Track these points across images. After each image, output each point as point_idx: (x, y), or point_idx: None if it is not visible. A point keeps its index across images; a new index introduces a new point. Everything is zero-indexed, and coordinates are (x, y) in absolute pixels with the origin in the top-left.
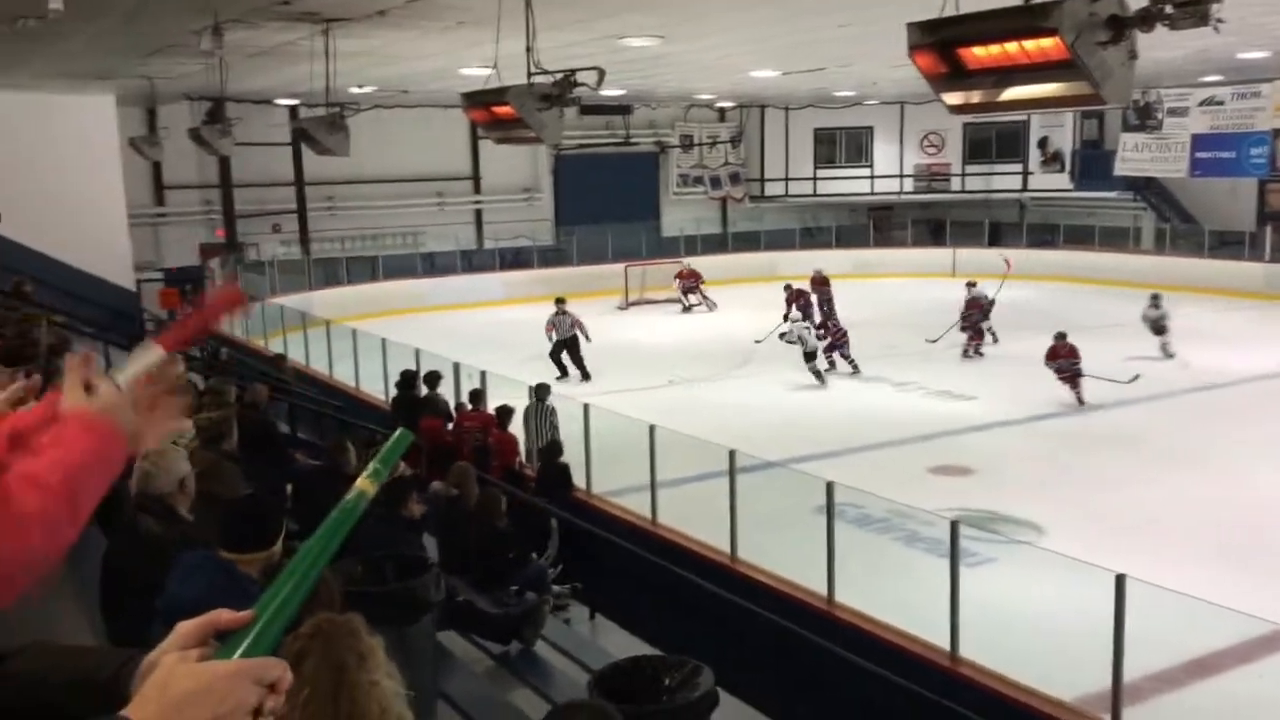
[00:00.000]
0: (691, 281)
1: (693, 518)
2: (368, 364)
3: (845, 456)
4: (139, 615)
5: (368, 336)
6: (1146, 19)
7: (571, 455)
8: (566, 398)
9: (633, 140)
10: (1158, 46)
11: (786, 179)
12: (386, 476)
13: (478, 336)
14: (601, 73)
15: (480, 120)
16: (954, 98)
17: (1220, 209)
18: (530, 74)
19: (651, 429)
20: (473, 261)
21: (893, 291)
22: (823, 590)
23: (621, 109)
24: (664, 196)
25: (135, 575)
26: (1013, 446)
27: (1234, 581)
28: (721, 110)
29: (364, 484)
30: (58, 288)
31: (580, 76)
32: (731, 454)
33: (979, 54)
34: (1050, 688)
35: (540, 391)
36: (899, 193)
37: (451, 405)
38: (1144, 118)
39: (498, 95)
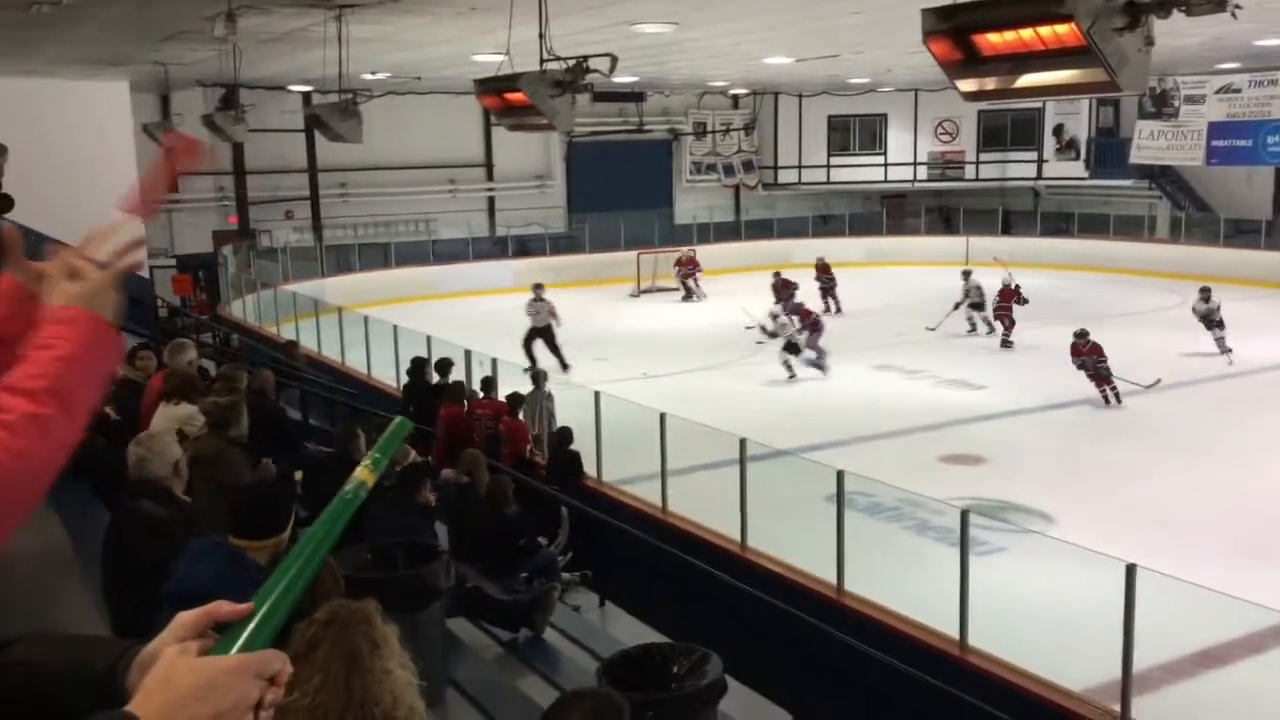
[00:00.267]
0: (690, 269)
1: (703, 506)
2: (379, 351)
3: (856, 445)
4: (144, 601)
5: (379, 323)
6: (1163, 5)
7: (581, 443)
8: (579, 386)
9: (646, 127)
10: (1174, 33)
11: (800, 166)
12: (386, 466)
13: (489, 324)
14: (614, 59)
15: (493, 107)
16: (968, 84)
17: (1236, 197)
18: (543, 60)
19: (662, 417)
20: (485, 249)
21: (905, 280)
22: (832, 579)
23: (634, 96)
24: (677, 184)
25: (138, 556)
26: (1025, 436)
27: (1247, 573)
28: (735, 97)
29: (363, 474)
30: None
31: (593, 63)
32: (742, 442)
33: (994, 40)
34: (1059, 677)
35: (538, 378)
36: (913, 180)
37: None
38: (1160, 105)
39: (510, 82)
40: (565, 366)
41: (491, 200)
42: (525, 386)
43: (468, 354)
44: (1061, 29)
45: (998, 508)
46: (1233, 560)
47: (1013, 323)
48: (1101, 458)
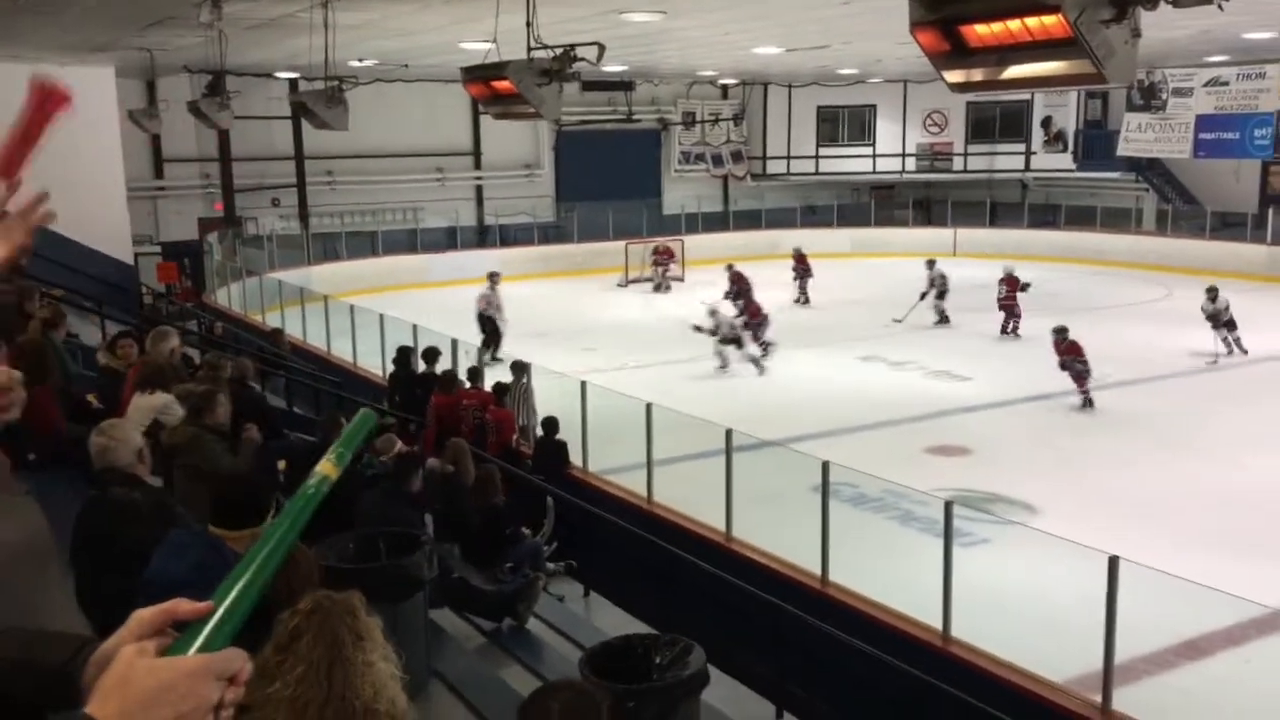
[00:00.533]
0: (665, 258)
1: (688, 496)
2: (365, 340)
3: (841, 436)
4: (121, 592)
5: (366, 312)
6: None
7: (567, 433)
8: (565, 376)
9: (634, 117)
10: (1162, 25)
11: (788, 157)
12: (350, 459)
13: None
14: (602, 48)
15: (479, 95)
16: (956, 76)
17: (1223, 190)
18: (530, 49)
19: (648, 407)
20: (472, 237)
21: (893, 271)
22: (817, 569)
23: (623, 85)
24: (665, 174)
25: (114, 542)
26: (1010, 427)
27: (1229, 564)
28: (724, 87)
29: (326, 468)
30: (55, 260)
31: (580, 52)
32: (728, 433)
33: (981, 31)
34: (1042, 668)
35: (518, 369)
36: (901, 172)
37: None
38: (1148, 98)
39: (497, 70)
40: (493, 359)
41: (479, 189)
42: (507, 376)
43: (454, 343)
44: (1049, 20)
45: (982, 499)
46: (1215, 552)
47: (1019, 315)
48: (1086, 449)
